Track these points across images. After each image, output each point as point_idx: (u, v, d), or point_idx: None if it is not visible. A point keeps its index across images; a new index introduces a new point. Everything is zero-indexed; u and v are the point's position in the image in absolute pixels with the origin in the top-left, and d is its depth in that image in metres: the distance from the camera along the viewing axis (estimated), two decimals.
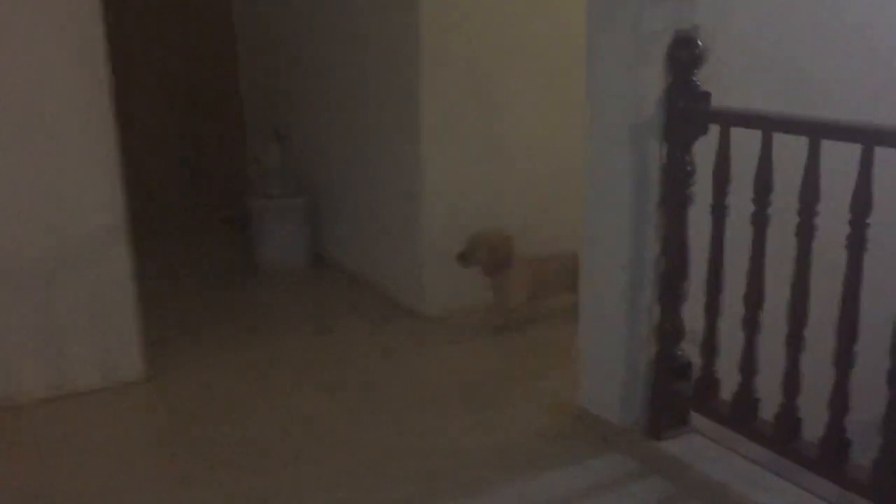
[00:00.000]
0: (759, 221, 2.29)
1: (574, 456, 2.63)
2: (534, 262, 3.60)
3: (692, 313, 2.56)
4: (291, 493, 2.48)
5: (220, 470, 2.62)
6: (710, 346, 2.52)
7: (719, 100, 2.43)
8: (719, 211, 2.41)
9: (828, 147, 2.11)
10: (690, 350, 2.61)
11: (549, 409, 2.93)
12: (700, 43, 2.40)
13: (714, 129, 2.38)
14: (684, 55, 2.41)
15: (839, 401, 2.16)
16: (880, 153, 1.96)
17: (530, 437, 2.78)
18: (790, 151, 2.17)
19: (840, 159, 2.06)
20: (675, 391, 2.64)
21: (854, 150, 2.00)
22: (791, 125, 2.20)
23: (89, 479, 2.57)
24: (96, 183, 3.02)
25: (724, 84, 2.45)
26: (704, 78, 2.44)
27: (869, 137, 1.99)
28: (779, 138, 2.22)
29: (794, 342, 2.24)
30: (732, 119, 2.34)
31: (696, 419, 2.69)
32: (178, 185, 5.23)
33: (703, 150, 2.42)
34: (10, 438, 2.81)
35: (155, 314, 3.42)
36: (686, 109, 2.43)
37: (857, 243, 2.04)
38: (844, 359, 2.13)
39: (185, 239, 5.01)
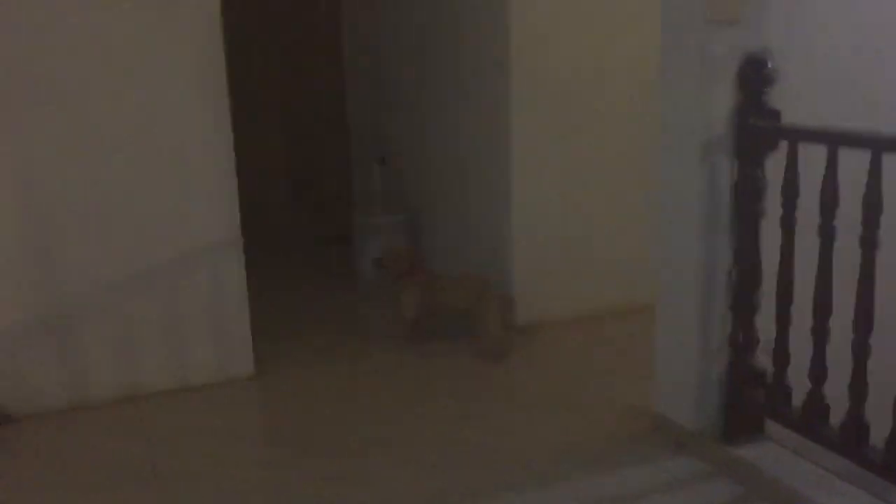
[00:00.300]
0: (826, 233, 2.38)
1: (647, 457, 2.75)
2: (427, 277, 3.83)
3: (764, 322, 2.65)
4: (370, 479, 2.71)
5: (309, 456, 2.88)
6: (781, 355, 2.61)
7: (788, 117, 2.55)
8: (789, 224, 2.50)
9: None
10: (764, 358, 2.70)
11: (625, 413, 3.06)
12: (770, 63, 2.53)
13: (783, 145, 2.50)
14: (754, 75, 2.53)
15: None
16: None
17: (606, 438, 2.92)
18: (860, 165, 2.26)
19: None
20: (749, 398, 2.73)
21: None
22: (854, 139, 2.29)
23: (197, 460, 2.87)
24: (216, 202, 3.35)
25: (793, 101, 2.55)
26: (774, 96, 2.56)
27: None
28: (849, 153, 2.31)
29: (860, 349, 2.32)
30: (800, 135, 2.45)
31: (772, 427, 2.77)
32: (289, 205, 5.61)
33: (773, 165, 2.54)
34: (131, 424, 3.15)
35: (264, 320, 3.75)
36: (756, 127, 2.55)
37: None
38: None
39: (294, 254, 5.38)
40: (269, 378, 3.51)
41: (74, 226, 3.17)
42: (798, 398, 2.57)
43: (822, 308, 2.42)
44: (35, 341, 3.18)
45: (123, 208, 3.22)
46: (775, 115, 2.55)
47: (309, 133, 5.60)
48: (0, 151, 3.03)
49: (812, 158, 2.38)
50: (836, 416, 2.43)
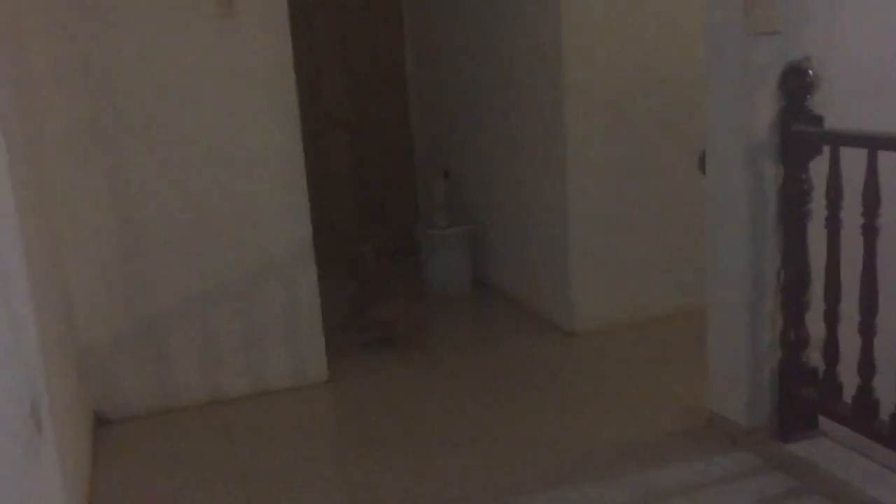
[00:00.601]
0: (869, 232, 2.47)
1: (701, 452, 2.85)
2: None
3: (815, 321, 2.74)
4: (439, 472, 2.88)
5: (383, 451, 3.08)
6: (831, 352, 2.69)
7: (832, 122, 2.64)
8: (834, 225, 2.59)
9: None
10: (815, 356, 2.78)
11: (680, 410, 3.16)
12: (811, 72, 2.63)
13: (826, 149, 2.59)
14: (796, 83, 2.64)
15: None
16: None
17: (661, 435, 3.03)
18: None
19: None
20: (802, 395, 2.81)
21: None
22: (893, 142, 2.37)
23: (279, 458, 3.08)
24: (289, 217, 3.57)
25: (835, 107, 2.64)
26: (817, 102, 2.66)
27: None
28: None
29: None
30: (841, 139, 2.54)
31: (827, 424, 2.84)
32: (357, 219, 5.85)
33: (818, 168, 2.63)
34: (218, 426, 3.38)
35: (336, 328, 3.97)
36: (800, 132, 2.65)
37: None
38: None
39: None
40: (342, 382, 3.72)
41: (163, 241, 3.43)
42: (849, 394, 2.65)
43: (869, 305, 2.50)
44: (128, 349, 3.46)
45: (206, 224, 3.48)
46: (818, 120, 2.65)
47: (375, 149, 5.84)
48: (99, 172, 3.31)
49: (857, 160, 2.47)
50: (887, 411, 2.51)
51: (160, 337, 3.49)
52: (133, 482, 3.00)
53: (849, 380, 2.64)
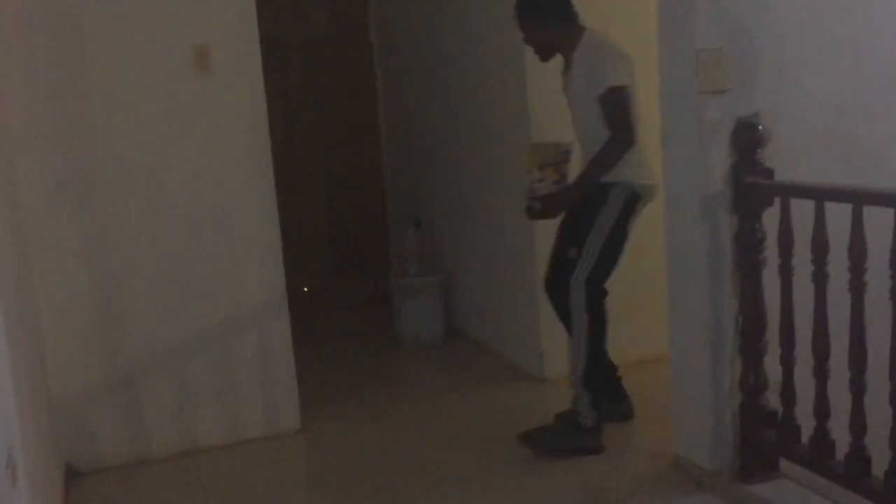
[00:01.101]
0: (819, 279, 2.58)
1: (666, 495, 2.92)
2: None
3: (772, 365, 2.84)
4: None
5: (354, 501, 3.10)
6: (788, 395, 2.78)
7: (782, 174, 2.77)
8: (786, 272, 2.71)
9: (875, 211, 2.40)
10: (774, 399, 2.87)
11: (647, 454, 3.24)
12: (761, 126, 2.77)
13: (777, 200, 2.72)
14: (747, 138, 2.77)
15: None
16: None
17: (628, 478, 3.10)
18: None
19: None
20: (762, 438, 2.89)
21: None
22: (838, 194, 2.50)
23: None
24: (262, 265, 3.63)
25: (785, 160, 2.78)
26: (768, 155, 2.79)
27: None
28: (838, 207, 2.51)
29: (857, 386, 2.49)
30: (790, 191, 2.66)
31: (787, 465, 2.92)
32: (329, 267, 5.92)
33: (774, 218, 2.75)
34: (191, 477, 3.39)
35: (309, 377, 4.01)
36: (752, 184, 2.78)
37: None
38: None
39: (334, 315, 5.67)
40: (314, 432, 3.75)
41: (138, 292, 3.47)
42: (807, 435, 2.73)
43: (820, 349, 2.60)
44: (101, 400, 3.47)
45: (180, 275, 3.52)
46: (769, 172, 2.78)
47: (348, 199, 5.94)
48: (75, 223, 3.36)
49: (811, 209, 2.58)
50: (843, 452, 2.59)
51: (134, 387, 3.52)
52: None
53: (806, 422, 2.73)
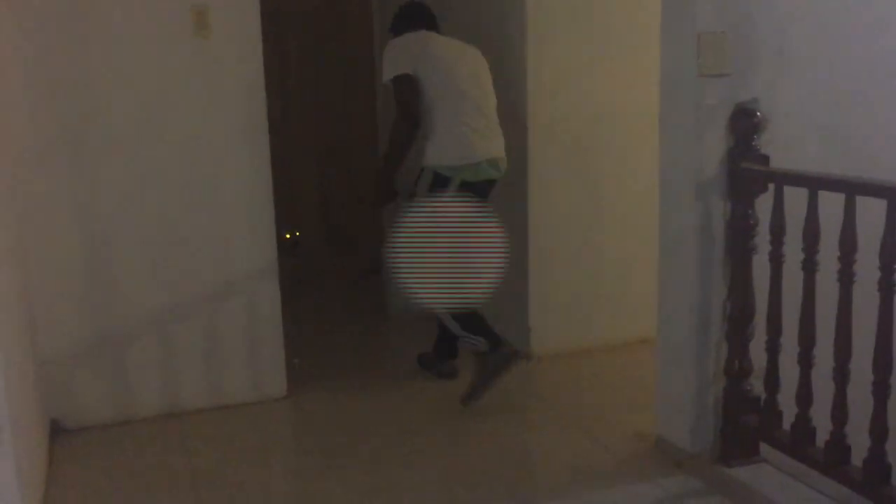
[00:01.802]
0: (809, 268, 2.59)
1: (646, 475, 2.94)
2: None
3: (758, 351, 2.86)
4: (396, 488, 2.94)
5: (340, 467, 3.12)
6: (772, 381, 2.81)
7: (777, 161, 2.78)
8: (777, 259, 2.72)
9: (867, 202, 2.41)
10: (758, 385, 2.90)
11: (630, 436, 3.26)
12: (759, 113, 2.77)
13: (771, 187, 2.72)
14: (744, 123, 2.77)
15: (879, 428, 2.41)
16: None
17: (610, 457, 3.13)
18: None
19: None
20: (744, 422, 2.92)
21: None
22: (830, 183, 2.51)
23: (233, 472, 3.11)
24: (254, 232, 3.62)
25: (781, 147, 2.79)
26: (764, 142, 2.80)
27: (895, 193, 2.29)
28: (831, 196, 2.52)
29: (840, 375, 2.51)
30: (785, 179, 2.67)
31: (767, 450, 2.95)
32: (323, 239, 5.92)
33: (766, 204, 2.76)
34: (175, 438, 3.40)
35: (298, 346, 4.02)
36: (747, 170, 2.78)
37: (888, 287, 2.33)
38: (882, 389, 2.40)
39: (325, 286, 5.68)
40: (300, 399, 3.76)
41: (127, 254, 3.46)
42: (789, 422, 2.76)
43: (806, 338, 2.62)
44: (88, 359, 3.47)
45: (171, 238, 3.51)
46: (764, 159, 2.78)
47: (343, 171, 5.92)
48: (66, 183, 3.34)
49: (804, 198, 2.59)
50: (823, 439, 2.62)
51: (120, 348, 3.52)
52: (87, 491, 3.01)
53: (789, 409, 2.75)
